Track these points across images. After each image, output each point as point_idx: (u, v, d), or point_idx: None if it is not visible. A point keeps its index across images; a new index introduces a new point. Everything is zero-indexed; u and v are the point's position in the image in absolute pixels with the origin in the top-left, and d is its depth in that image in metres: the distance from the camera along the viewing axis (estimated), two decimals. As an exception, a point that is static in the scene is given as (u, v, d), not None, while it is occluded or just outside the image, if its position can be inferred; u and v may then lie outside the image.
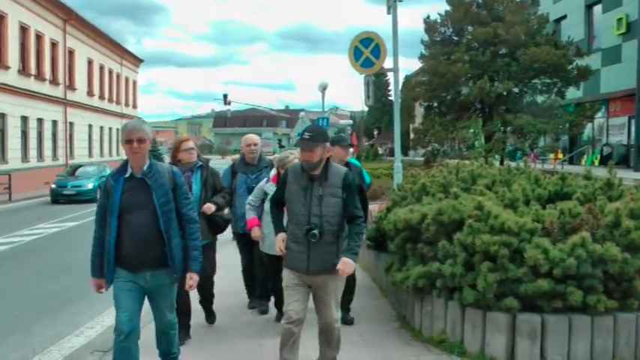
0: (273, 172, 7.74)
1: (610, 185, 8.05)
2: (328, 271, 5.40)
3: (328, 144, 5.50)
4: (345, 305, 7.66)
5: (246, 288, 9.09)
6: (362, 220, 5.52)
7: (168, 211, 5.18)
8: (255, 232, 7.71)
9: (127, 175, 5.24)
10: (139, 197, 5.14)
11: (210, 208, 7.23)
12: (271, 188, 7.09)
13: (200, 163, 7.41)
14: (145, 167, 5.25)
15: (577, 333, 6.24)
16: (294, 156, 7.22)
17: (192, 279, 5.34)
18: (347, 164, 7.39)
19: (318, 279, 5.51)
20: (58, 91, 41.38)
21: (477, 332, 6.55)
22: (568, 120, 32.68)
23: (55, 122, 40.92)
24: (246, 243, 8.49)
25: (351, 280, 7.46)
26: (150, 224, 5.11)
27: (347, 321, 7.70)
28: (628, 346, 6.32)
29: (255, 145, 8.74)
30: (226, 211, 7.87)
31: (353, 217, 5.45)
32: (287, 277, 5.62)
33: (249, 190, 8.19)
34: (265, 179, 7.89)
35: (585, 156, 37.89)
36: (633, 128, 32.71)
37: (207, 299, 7.96)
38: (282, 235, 5.62)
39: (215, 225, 7.41)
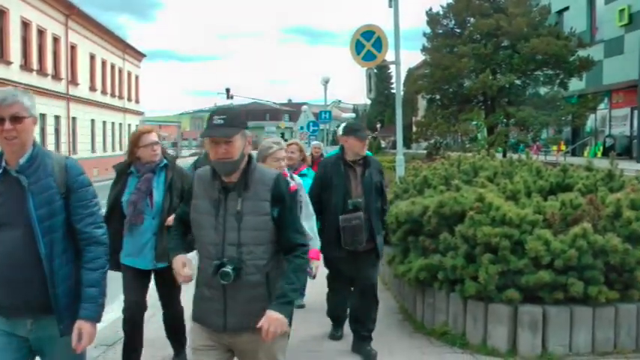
0: None
1: (611, 176, 8.07)
2: (254, 328, 3.50)
3: (249, 134, 3.73)
4: (365, 332, 6.63)
5: None
6: (304, 252, 3.73)
7: (51, 227, 3.45)
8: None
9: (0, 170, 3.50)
10: (8, 206, 3.42)
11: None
12: None
13: (165, 161, 5.78)
14: (23, 160, 3.46)
15: (578, 324, 6.27)
16: (279, 147, 5.64)
17: (82, 331, 3.48)
18: (364, 159, 6.50)
19: (240, 340, 3.69)
20: (60, 87, 41.36)
21: (479, 324, 6.57)
22: (570, 112, 32.60)
23: (57, 117, 40.91)
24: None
25: (371, 301, 6.59)
26: (23, 247, 3.40)
27: (369, 356, 6.49)
28: (629, 337, 6.35)
29: None
30: None
31: (291, 246, 3.69)
32: (196, 335, 3.81)
33: None
34: None
35: (588, 147, 37.79)
36: (636, 119, 32.62)
37: (174, 333, 6.22)
38: (181, 258, 3.77)
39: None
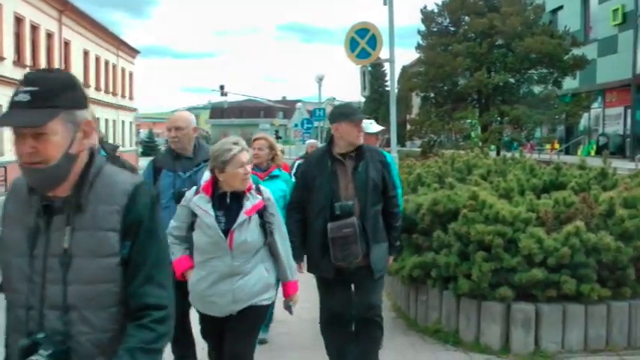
0: (207, 175, 4.68)
1: (604, 175, 8.09)
2: None
3: (86, 113, 2.29)
4: None
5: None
6: (157, 320, 2.27)
7: None
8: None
9: None
10: None
11: None
12: (202, 203, 4.38)
13: (102, 152, 4.52)
14: None
15: (571, 321, 6.29)
16: (239, 148, 4.41)
17: None
18: (358, 150, 5.26)
19: None
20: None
21: (472, 322, 6.58)
22: (564, 110, 32.67)
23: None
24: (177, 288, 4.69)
25: (375, 335, 5.58)
26: None
27: None
28: (621, 334, 6.37)
29: (179, 129, 5.57)
30: None
31: (138, 306, 2.28)
32: None
33: (179, 198, 4.79)
34: (194, 188, 4.62)
35: (581, 146, 37.88)
36: (629, 118, 32.79)
37: None
38: None
39: None
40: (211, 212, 4.31)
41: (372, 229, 5.20)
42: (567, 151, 37.33)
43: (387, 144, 15.21)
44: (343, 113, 5.30)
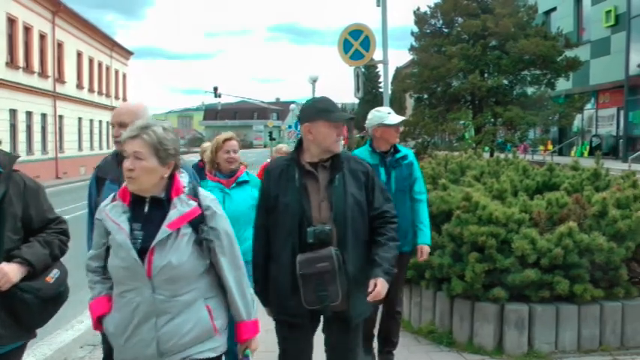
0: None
1: (597, 175, 8.12)
2: None
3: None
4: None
5: None
6: None
7: None
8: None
9: None
10: None
11: (8, 273, 3.25)
12: (114, 214, 3.25)
13: None
14: None
15: (564, 322, 6.31)
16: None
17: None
18: (335, 157, 3.97)
19: None
20: (47, 84, 41.16)
21: (466, 322, 6.59)
22: (557, 111, 32.77)
23: (44, 115, 40.70)
24: None
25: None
26: None
27: None
28: (614, 334, 6.39)
29: (122, 125, 4.15)
30: (53, 274, 3.55)
31: None
32: None
33: None
34: (112, 195, 3.42)
35: (575, 147, 37.98)
36: (622, 119, 32.92)
37: None
38: None
39: (21, 310, 3.39)
40: (125, 226, 3.15)
41: (353, 263, 3.90)
42: (561, 152, 37.44)
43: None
44: (319, 110, 3.98)
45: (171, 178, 3.23)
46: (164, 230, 3.08)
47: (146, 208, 3.19)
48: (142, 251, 3.08)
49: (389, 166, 5.62)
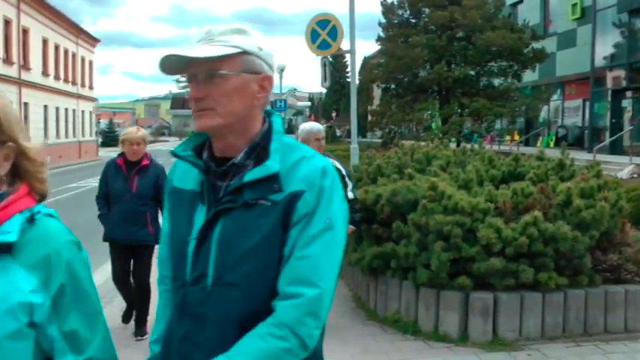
0: None
1: (562, 166, 8.17)
2: None
3: None
4: None
5: None
6: None
7: None
8: None
9: None
10: None
11: None
12: None
13: None
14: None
15: (528, 309, 6.36)
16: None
17: None
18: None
19: None
20: (12, 71, 40.53)
21: (431, 311, 6.61)
22: (524, 103, 33.10)
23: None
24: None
25: None
26: None
27: None
28: (577, 321, 6.46)
29: None
30: None
31: None
32: None
33: None
34: None
35: (541, 137, 38.38)
36: (587, 110, 33.34)
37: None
38: None
39: None
40: None
41: None
42: (527, 143, 37.80)
43: (348, 135, 15.18)
44: None
45: None
46: None
47: None
48: None
49: None
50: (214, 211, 1.96)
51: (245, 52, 1.96)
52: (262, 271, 1.93)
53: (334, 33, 13.59)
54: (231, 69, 1.94)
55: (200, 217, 2.00)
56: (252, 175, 1.93)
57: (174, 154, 2.08)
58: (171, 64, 1.97)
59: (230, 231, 1.95)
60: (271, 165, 1.94)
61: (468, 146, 11.13)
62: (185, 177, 2.12)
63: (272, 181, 1.93)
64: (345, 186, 6.38)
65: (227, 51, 1.93)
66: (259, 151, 2.01)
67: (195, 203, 2.04)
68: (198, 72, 1.94)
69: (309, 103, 71.01)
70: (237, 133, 2.01)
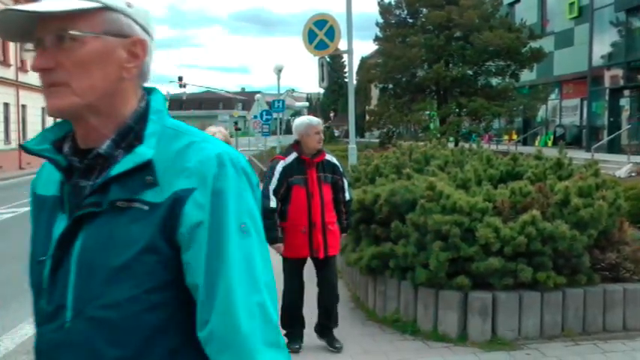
0: None
1: (560, 165, 8.17)
2: None
3: None
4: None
5: None
6: None
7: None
8: None
9: None
10: None
11: None
12: None
13: None
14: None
15: (527, 309, 6.36)
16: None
17: None
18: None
19: None
20: (9, 73, 40.44)
21: (430, 311, 6.61)
22: (522, 102, 33.11)
23: (6, 105, 40.02)
24: None
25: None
26: None
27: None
28: (576, 320, 6.46)
29: None
30: None
31: None
32: None
33: None
34: None
35: (539, 137, 38.38)
36: (585, 109, 33.34)
37: None
38: None
39: None
40: None
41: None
42: (525, 142, 37.80)
43: (346, 135, 15.19)
44: None
45: None
46: None
47: None
48: None
49: None
50: (72, 218, 1.50)
51: (107, 8, 1.51)
52: (140, 300, 1.44)
53: (332, 33, 13.58)
54: (88, 29, 1.48)
55: (59, 230, 1.53)
56: (120, 167, 1.47)
57: (24, 148, 1.59)
58: (13, 26, 1.53)
59: (93, 244, 1.47)
60: (143, 151, 1.48)
61: (466, 146, 11.14)
62: (49, 181, 1.65)
63: (144, 172, 1.47)
64: (343, 186, 6.38)
65: (81, 5, 1.47)
66: (132, 137, 1.54)
67: (56, 212, 1.58)
68: (45, 34, 1.49)
69: (307, 104, 71.11)
70: (101, 116, 1.53)
